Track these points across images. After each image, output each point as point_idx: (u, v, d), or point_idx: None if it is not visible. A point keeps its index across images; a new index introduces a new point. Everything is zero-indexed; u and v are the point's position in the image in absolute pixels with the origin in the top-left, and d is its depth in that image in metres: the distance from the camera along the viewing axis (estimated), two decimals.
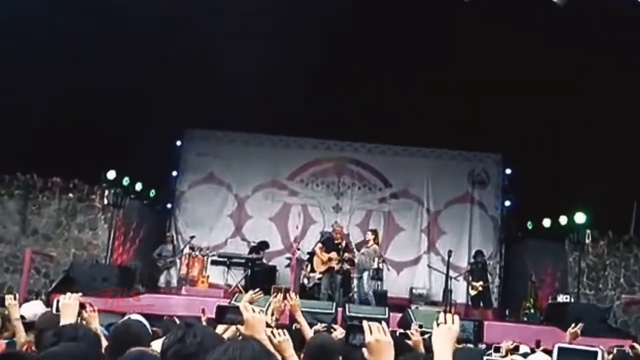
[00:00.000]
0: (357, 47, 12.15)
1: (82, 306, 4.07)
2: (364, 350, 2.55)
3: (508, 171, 16.73)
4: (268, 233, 16.00)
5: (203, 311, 7.07)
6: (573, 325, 6.04)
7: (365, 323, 2.55)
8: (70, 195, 14.65)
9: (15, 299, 4.66)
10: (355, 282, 12.65)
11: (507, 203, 16.59)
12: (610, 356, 5.90)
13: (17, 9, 10.26)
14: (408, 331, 4.53)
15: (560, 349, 3.37)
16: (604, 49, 10.60)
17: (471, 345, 4.95)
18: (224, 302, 6.57)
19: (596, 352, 3.34)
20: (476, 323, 5.12)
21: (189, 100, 14.14)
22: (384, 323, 2.56)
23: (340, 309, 11.04)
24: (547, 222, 14.40)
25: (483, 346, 6.66)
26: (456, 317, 2.70)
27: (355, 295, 12.60)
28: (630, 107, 11.67)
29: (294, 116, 14.67)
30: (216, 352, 2.26)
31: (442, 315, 2.71)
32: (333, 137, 16.86)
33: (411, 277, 16.07)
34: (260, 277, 14.29)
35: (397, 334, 5.26)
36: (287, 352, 3.14)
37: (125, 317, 4.60)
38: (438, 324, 2.66)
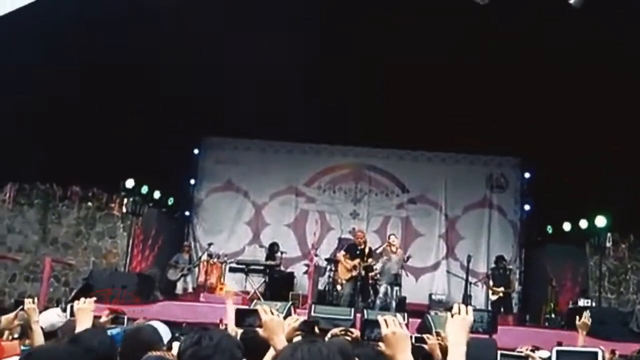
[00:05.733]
0: (373, 52, 12.13)
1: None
2: (381, 344, 2.58)
3: (527, 175, 16.59)
4: (286, 240, 15.93)
5: (221, 321, 7.05)
6: (578, 318, 5.87)
7: (380, 317, 2.60)
8: (90, 204, 14.82)
9: (34, 303, 4.67)
10: (383, 289, 12.56)
11: (527, 207, 16.46)
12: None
13: (38, 16, 10.36)
14: (424, 335, 4.49)
15: (558, 352, 3.27)
16: (624, 49, 10.49)
17: (486, 336, 4.92)
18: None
19: (596, 353, 3.24)
20: (490, 314, 5.10)
21: (206, 108, 14.19)
22: (399, 316, 2.57)
23: (359, 315, 10.98)
24: (567, 226, 14.26)
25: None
26: (470, 308, 2.73)
27: (388, 302, 12.52)
28: None
29: (310, 122, 14.66)
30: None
31: (456, 305, 2.75)
32: (349, 143, 16.85)
33: (430, 283, 15.99)
34: (278, 283, 14.31)
35: (413, 338, 5.21)
36: (276, 335, 3.02)
37: (144, 323, 4.59)
38: (452, 315, 2.70)
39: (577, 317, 5.90)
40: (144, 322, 5.44)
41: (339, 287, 13.55)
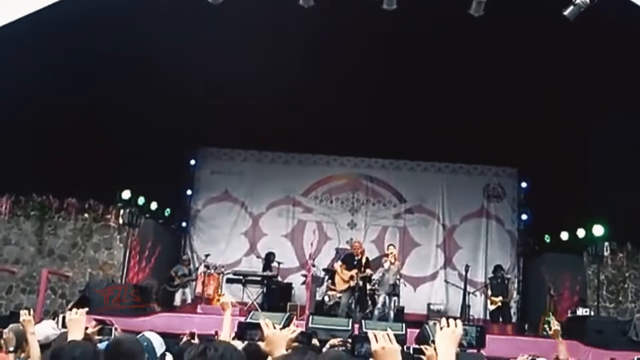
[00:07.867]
0: (369, 62, 12.15)
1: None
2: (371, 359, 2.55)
3: (524, 184, 16.65)
4: (283, 250, 15.89)
5: (216, 333, 7.00)
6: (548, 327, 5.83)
7: (370, 332, 2.58)
8: (86, 215, 14.76)
9: (30, 314, 4.64)
10: (381, 299, 12.44)
11: (524, 217, 16.51)
12: None
13: (32, 31, 10.36)
14: (422, 346, 4.47)
15: None
16: (619, 59, 10.53)
17: (474, 350, 4.92)
18: (242, 319, 6.54)
19: None
20: (478, 328, 5.11)
21: (202, 119, 14.19)
22: (389, 331, 2.55)
23: (357, 325, 10.93)
24: (564, 235, 14.28)
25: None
26: (459, 321, 2.75)
27: (387, 312, 12.40)
28: None
29: (306, 133, 14.69)
30: None
31: (444, 319, 2.76)
32: (346, 154, 16.88)
33: (428, 293, 15.96)
34: (276, 294, 14.25)
35: (411, 349, 5.20)
36: (278, 349, 2.98)
37: (140, 335, 4.55)
38: (441, 328, 2.71)
39: (558, 326, 5.83)
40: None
41: (334, 298, 13.44)
